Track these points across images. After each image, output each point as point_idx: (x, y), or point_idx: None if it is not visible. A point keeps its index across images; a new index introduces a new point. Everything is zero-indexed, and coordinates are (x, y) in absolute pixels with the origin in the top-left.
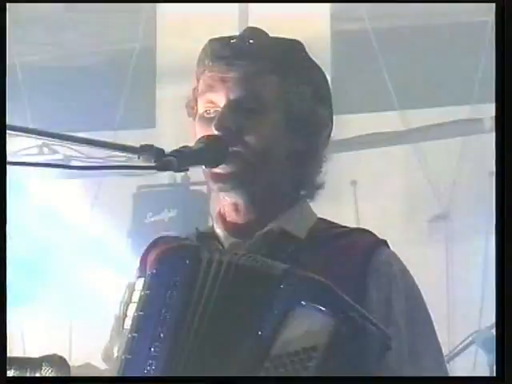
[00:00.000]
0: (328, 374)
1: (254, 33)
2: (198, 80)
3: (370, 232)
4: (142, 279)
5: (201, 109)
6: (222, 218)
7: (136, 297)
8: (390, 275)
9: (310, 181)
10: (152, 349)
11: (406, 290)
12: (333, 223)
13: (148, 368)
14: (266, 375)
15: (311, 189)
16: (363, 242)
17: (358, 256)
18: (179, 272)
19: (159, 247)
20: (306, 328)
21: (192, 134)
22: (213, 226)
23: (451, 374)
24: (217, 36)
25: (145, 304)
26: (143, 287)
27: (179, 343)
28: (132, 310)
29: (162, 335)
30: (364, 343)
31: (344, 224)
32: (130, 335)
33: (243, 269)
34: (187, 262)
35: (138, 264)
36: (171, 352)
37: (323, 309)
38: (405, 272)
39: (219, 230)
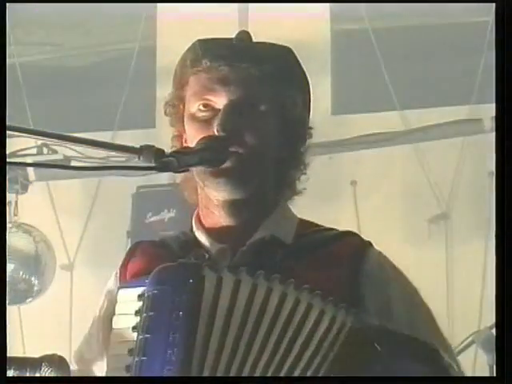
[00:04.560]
0: None
1: (246, 36)
2: (185, 80)
3: (355, 234)
4: (126, 291)
5: (192, 108)
6: (203, 221)
7: (121, 310)
8: (384, 277)
9: (293, 185)
10: (164, 372)
11: (404, 287)
12: (315, 224)
13: None
14: None
15: (290, 193)
16: (350, 247)
17: (347, 262)
18: (183, 291)
19: (139, 258)
20: None
21: (177, 132)
22: (192, 230)
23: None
24: (216, 36)
25: (150, 326)
26: (145, 309)
27: (192, 365)
28: (119, 324)
29: (173, 358)
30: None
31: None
32: (137, 359)
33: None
34: (190, 281)
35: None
36: (184, 374)
37: (420, 366)
38: (396, 270)
39: (202, 236)
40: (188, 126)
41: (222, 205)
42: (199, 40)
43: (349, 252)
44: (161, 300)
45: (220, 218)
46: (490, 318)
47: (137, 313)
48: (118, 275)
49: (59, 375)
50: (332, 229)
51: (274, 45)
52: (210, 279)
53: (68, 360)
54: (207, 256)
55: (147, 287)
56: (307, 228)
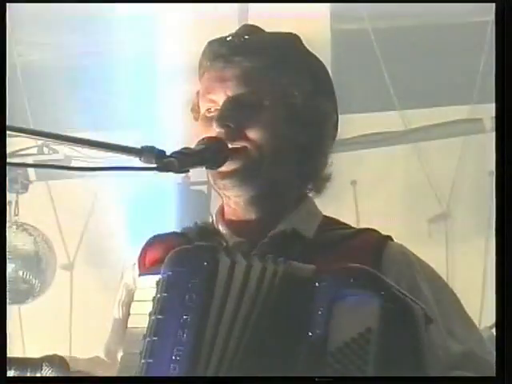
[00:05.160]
0: (388, 353)
1: (250, 29)
2: (200, 83)
3: (375, 230)
4: (145, 278)
5: (202, 109)
6: (225, 215)
7: (140, 296)
8: (407, 262)
9: (317, 174)
10: (174, 352)
11: (427, 273)
12: (338, 222)
13: (171, 372)
14: (332, 370)
15: (318, 182)
16: (371, 239)
17: (368, 252)
18: (198, 274)
19: (158, 247)
20: (354, 315)
21: (196, 136)
22: (213, 222)
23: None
24: (216, 36)
25: (163, 308)
26: (159, 290)
27: (203, 346)
28: (136, 309)
29: (184, 339)
30: (410, 316)
31: (351, 225)
32: (149, 339)
33: (280, 274)
34: (205, 263)
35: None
36: (195, 355)
37: (363, 291)
38: (418, 257)
39: (222, 228)
40: (200, 127)
41: (240, 201)
42: (208, 42)
43: (371, 243)
44: (175, 282)
45: (241, 214)
46: (490, 318)
47: (154, 299)
48: (137, 265)
49: (59, 375)
50: (353, 227)
51: (275, 34)
52: (224, 263)
53: (68, 360)
54: (224, 244)
55: (163, 269)
56: (330, 224)
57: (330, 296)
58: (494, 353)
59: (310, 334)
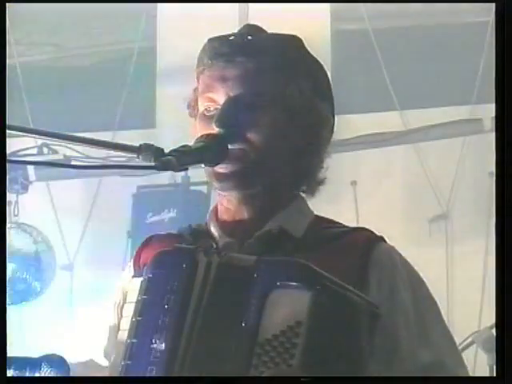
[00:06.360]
0: (318, 348)
1: (252, 29)
2: (198, 80)
3: (368, 230)
4: (137, 279)
5: (201, 107)
6: (218, 215)
7: (131, 298)
8: (392, 266)
9: (311, 176)
10: (152, 354)
11: (411, 280)
12: (330, 221)
13: (148, 374)
14: (259, 361)
15: (312, 184)
16: (361, 239)
17: (357, 252)
18: (176, 276)
19: (152, 248)
20: (286, 307)
21: (193, 133)
22: (206, 223)
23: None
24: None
25: (142, 309)
26: (140, 292)
27: (179, 348)
28: (128, 311)
29: (161, 340)
30: (348, 312)
31: (344, 224)
32: (129, 341)
33: (223, 268)
34: (184, 266)
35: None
36: (171, 357)
37: (298, 285)
38: (406, 263)
39: (214, 229)
40: (198, 125)
41: (233, 200)
42: (208, 39)
43: (360, 243)
44: (155, 284)
45: (233, 213)
46: (489, 317)
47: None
48: (132, 266)
49: (59, 375)
50: (346, 226)
51: (276, 35)
52: (202, 264)
53: (68, 360)
54: (215, 246)
55: (144, 272)
56: (321, 224)
57: (264, 287)
58: (468, 366)
59: (244, 324)
